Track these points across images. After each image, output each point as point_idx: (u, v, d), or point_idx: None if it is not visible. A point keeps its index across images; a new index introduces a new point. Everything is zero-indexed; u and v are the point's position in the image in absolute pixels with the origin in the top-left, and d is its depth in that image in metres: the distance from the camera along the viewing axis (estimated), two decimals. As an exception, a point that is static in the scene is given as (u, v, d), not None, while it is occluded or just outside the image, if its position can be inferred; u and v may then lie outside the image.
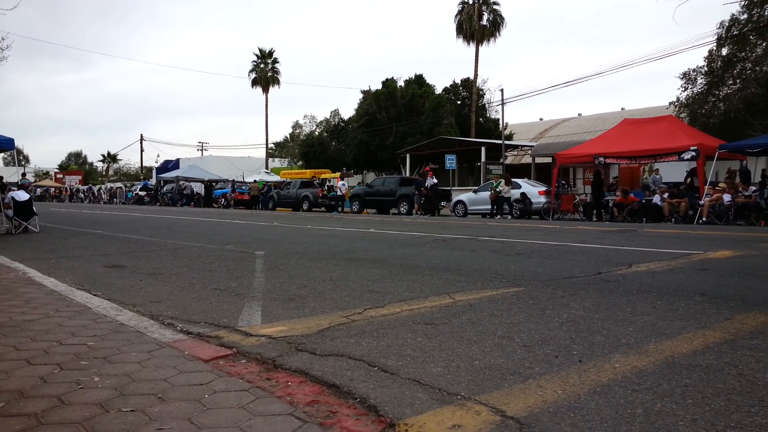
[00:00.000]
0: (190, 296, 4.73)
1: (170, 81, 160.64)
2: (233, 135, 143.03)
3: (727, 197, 16.37)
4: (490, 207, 21.72)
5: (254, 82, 54.05)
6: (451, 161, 29.20)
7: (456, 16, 41.40)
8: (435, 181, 24.11)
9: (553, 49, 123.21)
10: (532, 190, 21.87)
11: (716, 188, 17.00)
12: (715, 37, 24.94)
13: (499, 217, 20.81)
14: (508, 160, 34.74)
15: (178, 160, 57.87)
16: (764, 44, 23.73)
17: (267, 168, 52.20)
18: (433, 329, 3.54)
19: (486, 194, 22.09)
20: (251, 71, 54.11)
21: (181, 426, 2.07)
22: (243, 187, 36.79)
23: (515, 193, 21.38)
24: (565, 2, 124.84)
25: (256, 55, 53.96)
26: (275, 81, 54.22)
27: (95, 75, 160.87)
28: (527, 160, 33.65)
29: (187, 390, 2.43)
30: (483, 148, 32.34)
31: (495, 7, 41.00)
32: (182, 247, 9.01)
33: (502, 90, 33.22)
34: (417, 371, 2.70)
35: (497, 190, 21.27)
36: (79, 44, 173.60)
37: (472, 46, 41.03)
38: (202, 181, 40.75)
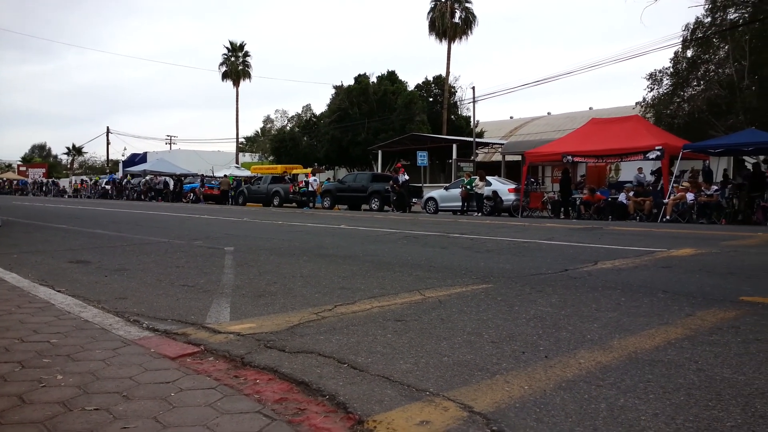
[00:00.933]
0: (156, 293, 4.66)
1: (138, 73, 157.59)
2: (203, 129, 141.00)
3: (690, 196, 16.82)
4: (460, 204, 21.91)
5: (225, 76, 53.36)
6: (422, 158, 29.35)
7: (428, 13, 41.55)
8: (406, 177, 24.19)
9: (524, 47, 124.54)
10: (502, 188, 22.14)
11: (680, 187, 17.45)
12: (681, 39, 25.57)
13: (478, 214, 20.98)
14: (479, 158, 35.07)
15: (145, 154, 56.85)
16: (727, 47, 24.42)
17: (237, 163, 51.62)
18: (403, 326, 3.55)
19: (457, 191, 22.28)
20: (222, 64, 53.42)
21: (146, 425, 2.04)
22: (212, 182, 36.32)
23: (487, 191, 21.61)
24: (536, 2, 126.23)
25: (227, 48, 53.30)
26: (246, 75, 53.62)
27: (60, 66, 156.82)
28: (498, 157, 34.00)
29: (152, 388, 2.40)
30: (454, 146, 32.57)
31: (467, 5, 41.27)
32: (149, 242, 8.86)
33: (473, 88, 33.58)
34: (386, 368, 2.71)
35: (469, 186, 21.45)
36: (43, 34, 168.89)
37: (445, 44, 41.27)
38: (172, 176, 40.08)
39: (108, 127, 62.87)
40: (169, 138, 70.13)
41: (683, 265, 6.43)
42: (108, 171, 60.81)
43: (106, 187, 44.58)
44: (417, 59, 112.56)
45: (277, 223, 14.05)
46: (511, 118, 50.22)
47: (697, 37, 24.98)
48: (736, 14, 24.38)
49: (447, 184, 25.37)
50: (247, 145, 66.84)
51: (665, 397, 2.37)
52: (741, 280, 5.49)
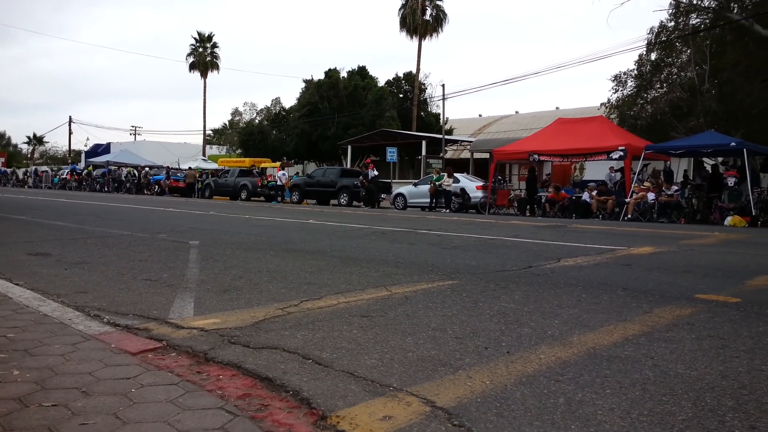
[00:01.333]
0: (118, 287, 4.57)
1: (103, 62, 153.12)
2: (169, 120, 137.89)
3: (651, 196, 17.27)
4: (429, 200, 22.03)
5: (192, 67, 52.52)
6: (392, 154, 29.38)
7: (399, 9, 41.61)
8: (376, 173, 24.21)
9: (493, 46, 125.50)
10: (470, 185, 22.35)
11: (641, 187, 17.90)
12: (645, 42, 26.16)
13: (446, 210, 21.10)
14: (448, 155, 35.29)
15: (109, 144, 55.56)
16: (689, 51, 25.10)
17: (204, 155, 50.90)
18: (369, 321, 3.57)
19: (426, 187, 22.40)
20: (189, 55, 52.54)
21: (105, 421, 2.01)
22: (178, 174, 35.71)
23: (455, 187, 21.78)
24: (507, 1, 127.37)
25: (195, 38, 52.48)
26: (214, 66, 52.89)
27: (21, 52, 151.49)
28: (466, 155, 34.26)
29: (112, 384, 2.36)
30: (424, 142, 32.71)
31: (438, 2, 41.45)
32: (111, 235, 8.67)
33: (443, 85, 33.82)
34: (351, 363, 2.72)
35: (438, 183, 21.59)
36: (3, 19, 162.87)
37: (415, 41, 41.38)
38: (137, 167, 39.31)
39: (70, 117, 61.17)
40: (133, 129, 68.72)
41: (643, 263, 6.60)
42: (70, 162, 59.19)
43: (68, 177, 43.38)
44: (388, 55, 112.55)
45: (244, 217, 13.91)
46: (480, 116, 50.63)
47: (660, 40, 25.60)
48: (698, 20, 25.08)
49: (416, 181, 25.48)
50: (215, 137, 65.95)
51: (621, 392, 2.44)
52: (697, 278, 5.68)
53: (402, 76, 44.46)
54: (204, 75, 52.49)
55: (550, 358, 2.88)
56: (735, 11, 23.35)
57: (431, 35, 41.60)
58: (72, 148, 64.64)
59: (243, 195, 29.13)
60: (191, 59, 52.37)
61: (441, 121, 36.81)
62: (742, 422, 2.16)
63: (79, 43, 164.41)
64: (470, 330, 3.42)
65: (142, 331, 3.23)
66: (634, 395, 2.41)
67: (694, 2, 24.49)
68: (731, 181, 16.87)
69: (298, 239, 8.74)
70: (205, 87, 52.87)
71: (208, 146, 56.98)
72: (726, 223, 15.68)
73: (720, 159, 20.69)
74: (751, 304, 4.34)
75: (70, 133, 60.77)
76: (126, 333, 3.18)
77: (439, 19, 41.44)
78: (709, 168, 19.68)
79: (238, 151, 50.77)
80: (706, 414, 2.22)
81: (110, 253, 6.55)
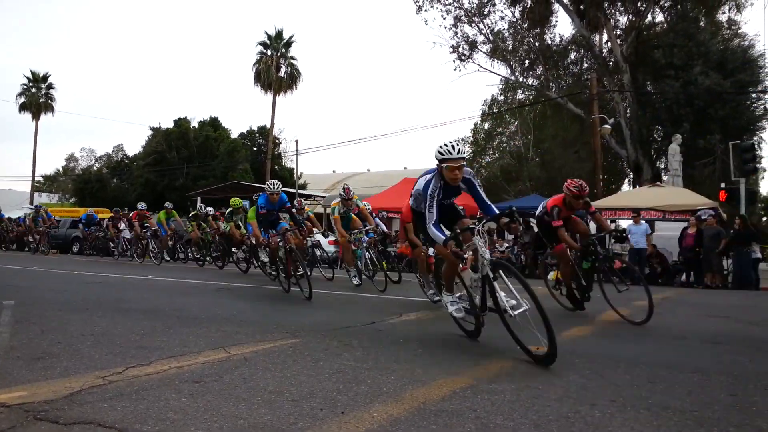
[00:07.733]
0: None
1: None
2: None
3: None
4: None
5: (23, 107, 47.93)
6: (244, 207, 28.80)
7: (254, 65, 41.78)
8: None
9: (347, 105, 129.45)
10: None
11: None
12: (480, 112, 28.94)
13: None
14: (301, 209, 35.37)
15: None
16: (516, 122, 28.11)
17: (31, 204, 45.95)
18: (201, 387, 3.40)
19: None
20: (20, 95, 47.95)
21: None
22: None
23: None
24: (360, 64, 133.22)
25: (27, 78, 48.14)
26: (48, 108, 48.70)
27: None
28: (320, 209, 34.64)
29: None
30: (277, 196, 32.51)
31: (293, 61, 42.34)
32: None
33: (297, 141, 34.27)
34: (175, 435, 2.57)
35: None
36: None
37: (270, 95, 41.62)
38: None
39: None
40: (-57, 171, 60.24)
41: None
42: None
43: None
44: (242, 107, 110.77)
45: (73, 273, 12.67)
46: (334, 171, 51.75)
47: (492, 111, 28.42)
48: (523, 95, 28.30)
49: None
50: (46, 184, 60.10)
51: (444, 445, 2.56)
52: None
53: (256, 129, 44.36)
54: (36, 117, 48.08)
55: (382, 416, 2.94)
56: (553, 90, 26.74)
57: (286, 92, 42.13)
58: None
59: (75, 248, 26.58)
60: (22, 99, 47.85)
61: (295, 176, 37.04)
62: (546, 467, 2.36)
63: None
64: (308, 391, 3.40)
65: (-77, 412, 2.78)
66: (456, 448, 2.54)
67: (521, 80, 27.68)
68: (553, 240, 18.82)
69: (132, 298, 8.13)
70: (36, 130, 48.38)
71: (37, 194, 51.67)
72: (549, 277, 17.34)
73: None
74: (564, 354, 4.79)
75: None
76: None
77: (293, 77, 42.20)
78: (535, 228, 21.81)
79: (73, 199, 46.72)
80: (517, 461, 2.40)
81: None
